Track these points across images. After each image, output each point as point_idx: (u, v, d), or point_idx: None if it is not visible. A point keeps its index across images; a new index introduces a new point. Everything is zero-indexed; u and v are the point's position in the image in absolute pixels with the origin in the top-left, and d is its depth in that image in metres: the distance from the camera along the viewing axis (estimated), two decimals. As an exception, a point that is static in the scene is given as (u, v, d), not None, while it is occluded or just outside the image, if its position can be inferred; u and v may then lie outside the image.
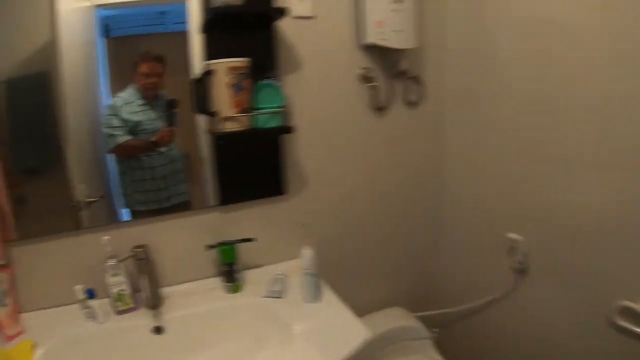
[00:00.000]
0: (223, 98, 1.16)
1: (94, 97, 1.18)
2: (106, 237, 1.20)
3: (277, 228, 1.42)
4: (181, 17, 1.18)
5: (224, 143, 1.22)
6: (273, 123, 1.20)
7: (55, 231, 1.26)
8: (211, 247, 1.28)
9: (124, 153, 1.27)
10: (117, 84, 1.18)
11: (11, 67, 1.07)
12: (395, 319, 1.58)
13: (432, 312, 1.67)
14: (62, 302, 1.29)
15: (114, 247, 1.21)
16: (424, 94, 1.50)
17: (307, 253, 1.19)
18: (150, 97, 1.25)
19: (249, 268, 1.37)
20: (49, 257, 1.28)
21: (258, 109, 1.20)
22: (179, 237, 1.33)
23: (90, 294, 1.23)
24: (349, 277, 1.38)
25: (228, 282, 1.29)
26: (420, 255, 1.70)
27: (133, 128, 1.25)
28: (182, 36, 1.21)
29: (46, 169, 1.21)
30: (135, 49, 1.18)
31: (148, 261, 1.24)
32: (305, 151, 1.41)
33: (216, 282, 1.34)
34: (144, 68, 1.22)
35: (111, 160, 1.27)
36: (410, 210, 1.62)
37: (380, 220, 1.57)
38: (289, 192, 1.40)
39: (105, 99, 1.19)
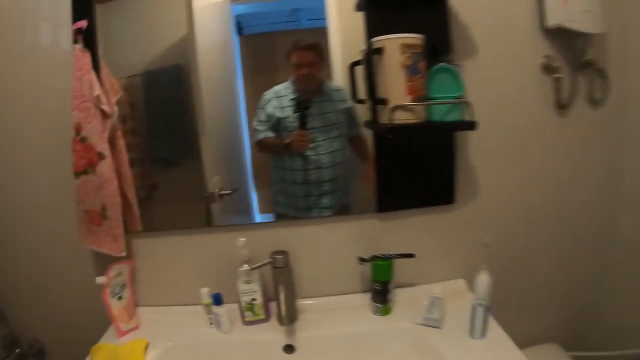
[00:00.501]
0: (395, 82, 0.96)
1: (231, 91, 1.12)
2: (243, 239, 1.04)
3: (440, 242, 1.20)
4: (317, 13, 1.06)
5: (392, 137, 1.00)
6: (453, 116, 0.98)
7: (184, 226, 1.14)
8: (364, 260, 1.09)
9: (261, 150, 1.15)
10: (251, 80, 1.11)
11: (148, 60, 1.07)
12: (548, 358, 1.33)
13: (591, 354, 1.40)
14: (183, 301, 1.19)
15: (249, 250, 1.05)
16: (609, 91, 1.23)
17: (483, 279, 0.97)
18: (304, 90, 1.10)
19: (401, 286, 1.17)
20: (175, 253, 1.18)
21: (431, 98, 0.99)
22: (324, 245, 1.15)
23: (217, 300, 1.09)
24: (502, 304, 1.14)
25: (377, 302, 1.10)
26: (584, 282, 1.42)
27: (276, 124, 1.11)
28: (319, 33, 1.07)
29: (179, 160, 1.16)
30: (268, 47, 1.11)
31: (288, 270, 1.07)
32: (477, 152, 1.17)
33: (363, 300, 1.15)
34: (294, 58, 1.09)
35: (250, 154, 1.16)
36: (579, 229, 1.34)
37: (543, 239, 1.31)
38: (457, 201, 1.17)
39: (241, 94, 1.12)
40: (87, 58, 1.08)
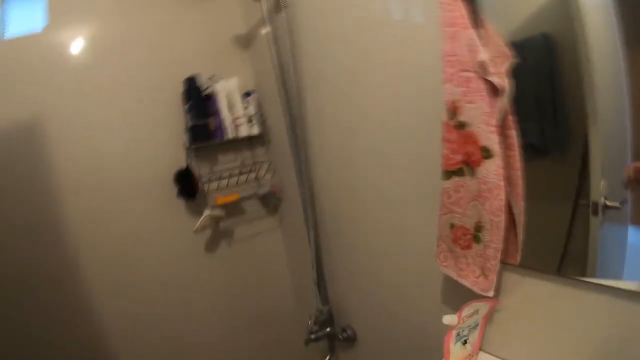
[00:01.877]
0: None
1: (613, 70, 0.76)
2: None
3: None
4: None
5: None
6: None
7: (573, 273, 0.76)
8: None
9: None
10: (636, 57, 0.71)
11: (512, 29, 0.83)
12: None
13: None
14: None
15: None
16: None
17: None
18: None
19: None
20: (550, 303, 0.80)
21: None
22: None
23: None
24: None
25: None
26: None
27: None
28: None
29: (552, 149, 0.83)
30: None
31: None
32: None
33: None
34: None
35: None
36: None
37: None
38: None
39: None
40: (462, 8, 0.75)
